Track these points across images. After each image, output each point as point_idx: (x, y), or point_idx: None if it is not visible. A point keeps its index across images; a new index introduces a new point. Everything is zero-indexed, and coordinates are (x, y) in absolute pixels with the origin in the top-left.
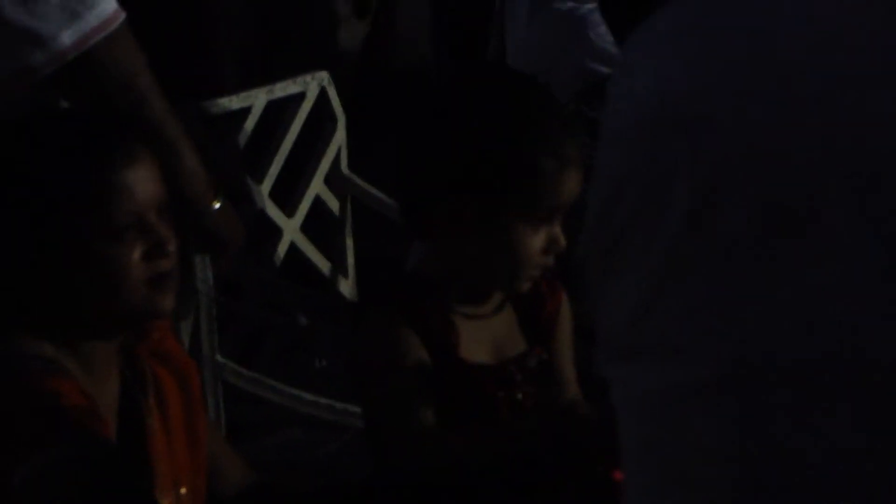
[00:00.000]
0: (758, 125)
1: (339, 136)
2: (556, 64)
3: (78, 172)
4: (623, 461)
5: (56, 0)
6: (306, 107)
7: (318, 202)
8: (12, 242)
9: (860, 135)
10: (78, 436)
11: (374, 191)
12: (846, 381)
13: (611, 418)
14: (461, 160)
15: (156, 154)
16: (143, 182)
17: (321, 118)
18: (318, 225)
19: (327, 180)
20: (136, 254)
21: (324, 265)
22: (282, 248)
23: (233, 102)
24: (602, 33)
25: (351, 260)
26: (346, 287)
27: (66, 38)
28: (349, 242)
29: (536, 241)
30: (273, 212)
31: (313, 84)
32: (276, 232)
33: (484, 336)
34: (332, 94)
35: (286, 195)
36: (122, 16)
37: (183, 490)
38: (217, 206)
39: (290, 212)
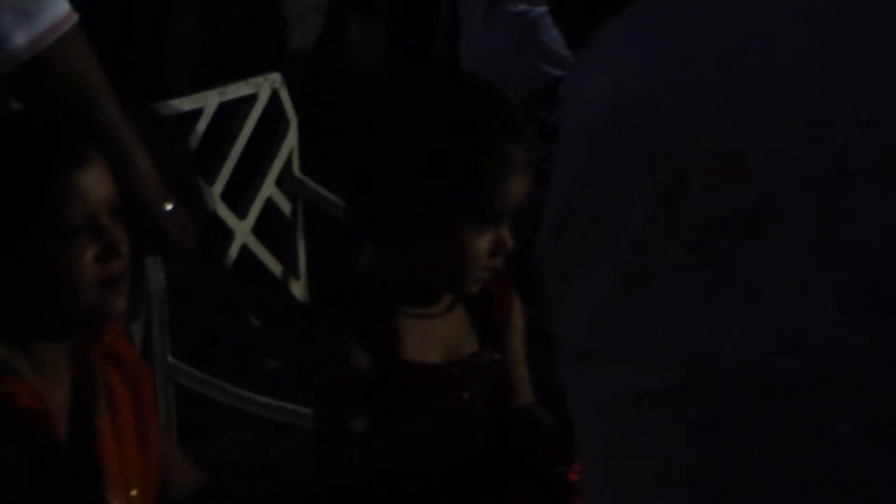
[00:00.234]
0: (717, 127)
1: (292, 139)
2: (509, 65)
3: (30, 174)
4: (579, 463)
5: (9, 2)
6: (258, 108)
7: (269, 204)
8: None
9: (821, 136)
10: (29, 437)
11: (325, 193)
12: (801, 388)
13: (566, 420)
14: (407, 165)
15: (108, 156)
16: (95, 184)
17: (273, 120)
18: (270, 227)
19: (279, 182)
20: (89, 255)
21: (275, 267)
22: (234, 250)
23: (185, 104)
24: (554, 36)
25: (303, 262)
26: (298, 289)
27: (20, 39)
28: (301, 244)
29: (483, 244)
30: (225, 214)
31: (266, 86)
32: (228, 234)
33: (434, 336)
34: (285, 95)
35: (238, 197)
36: (75, 17)
37: (133, 492)
38: (169, 208)
39: (242, 214)
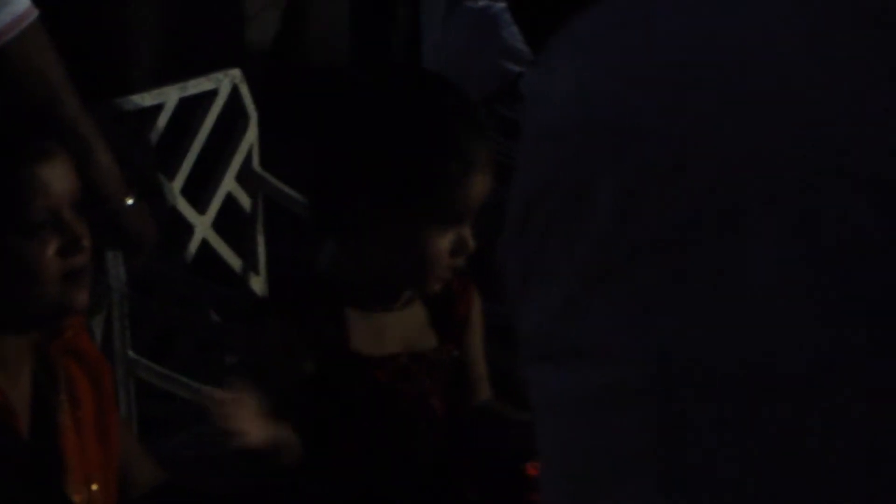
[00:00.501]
0: (682, 127)
1: (251, 134)
2: (470, 62)
3: None
4: (540, 460)
5: None
6: (219, 104)
7: (229, 199)
8: None
9: (792, 133)
10: None
11: (285, 188)
12: (767, 388)
13: (526, 416)
14: (367, 163)
15: (69, 151)
16: (57, 178)
17: (233, 115)
18: (230, 222)
19: (239, 178)
20: (51, 249)
21: (235, 262)
22: (193, 245)
23: (145, 99)
24: (514, 32)
25: (262, 257)
26: (258, 284)
27: None
28: (261, 240)
29: (444, 243)
30: (185, 209)
31: (226, 81)
32: (188, 229)
33: (392, 331)
34: (245, 91)
35: (198, 192)
36: (35, 13)
37: (94, 487)
38: (130, 202)
39: (201, 209)
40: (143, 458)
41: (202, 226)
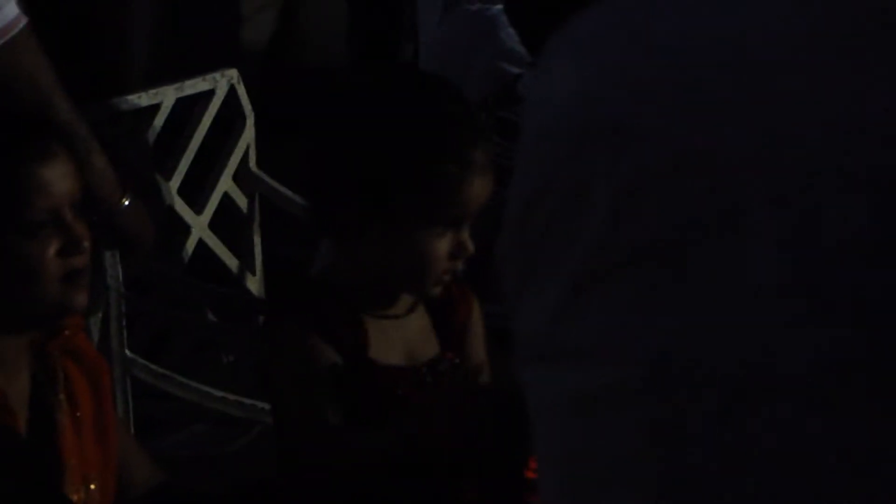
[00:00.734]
0: (681, 129)
1: (248, 134)
2: (467, 64)
3: None
4: (537, 462)
5: None
6: (216, 104)
7: (226, 199)
8: None
9: (788, 137)
10: None
11: (282, 189)
12: (766, 388)
13: (524, 417)
14: (365, 165)
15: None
16: (58, 179)
17: (230, 116)
18: (227, 222)
19: (236, 178)
20: (51, 250)
21: (231, 262)
22: (190, 245)
23: (142, 99)
24: (512, 34)
25: (258, 257)
26: (254, 284)
27: None
28: (257, 240)
29: (443, 246)
30: (182, 209)
31: (223, 81)
32: (185, 229)
33: (395, 338)
34: (242, 91)
35: (195, 192)
36: (24, 20)
37: (92, 486)
38: (126, 203)
39: (198, 209)
40: (141, 458)
41: (199, 226)
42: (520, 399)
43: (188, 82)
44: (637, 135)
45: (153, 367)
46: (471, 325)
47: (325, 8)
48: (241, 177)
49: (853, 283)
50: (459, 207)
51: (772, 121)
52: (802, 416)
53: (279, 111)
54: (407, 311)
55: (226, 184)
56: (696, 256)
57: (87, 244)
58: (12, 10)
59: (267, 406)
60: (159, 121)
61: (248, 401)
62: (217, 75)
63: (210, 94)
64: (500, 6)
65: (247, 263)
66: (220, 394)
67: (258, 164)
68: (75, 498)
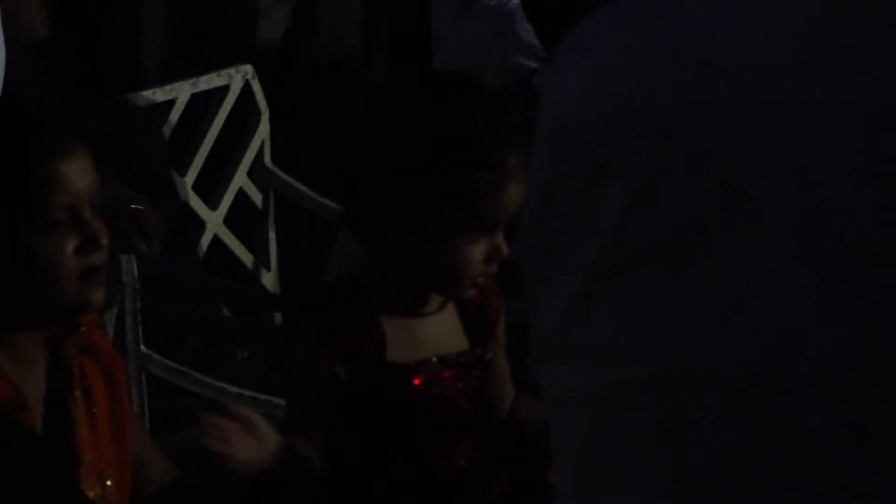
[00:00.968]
0: (689, 129)
1: (263, 130)
2: (484, 58)
3: (12, 164)
4: (555, 462)
5: None
6: (230, 100)
7: (241, 195)
8: None
9: (798, 133)
10: (4, 427)
11: (297, 184)
12: (767, 388)
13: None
14: (403, 174)
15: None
16: (77, 175)
17: (245, 111)
18: (241, 218)
19: (250, 173)
20: (70, 247)
21: (246, 258)
22: (205, 241)
23: (157, 95)
24: (529, 28)
25: (273, 253)
26: (269, 280)
27: None
28: (272, 235)
29: (478, 251)
30: (197, 204)
31: (238, 77)
32: (200, 224)
33: (423, 334)
34: (257, 87)
35: (210, 188)
36: None
37: (108, 482)
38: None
39: (213, 205)
40: (157, 454)
41: (214, 222)
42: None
43: (203, 78)
44: (648, 133)
45: (168, 362)
46: (500, 320)
47: (339, 3)
48: (255, 172)
49: (854, 283)
50: (495, 213)
51: (775, 120)
52: (803, 416)
53: (294, 107)
54: (437, 308)
55: (241, 179)
56: (702, 256)
57: (105, 241)
58: None
59: (282, 402)
60: (174, 116)
61: (263, 396)
62: (232, 71)
63: (225, 89)
64: (517, 1)
65: (261, 259)
66: (235, 389)
67: (273, 159)
68: (91, 494)
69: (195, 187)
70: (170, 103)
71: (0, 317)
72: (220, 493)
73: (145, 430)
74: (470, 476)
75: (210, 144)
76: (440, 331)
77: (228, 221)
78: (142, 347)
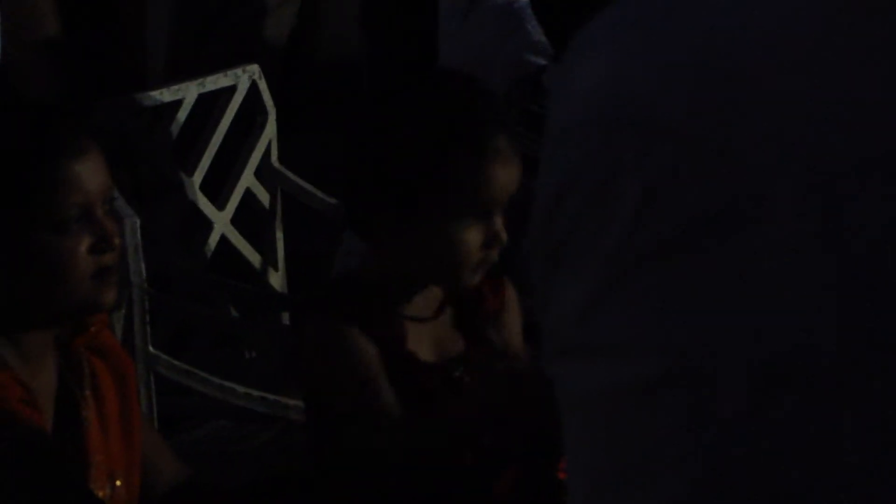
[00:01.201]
0: (708, 123)
1: (270, 130)
2: (493, 56)
3: (26, 163)
4: (567, 461)
5: None
6: (237, 100)
7: (248, 195)
8: None
9: (815, 131)
10: (14, 426)
11: (304, 184)
12: (785, 386)
13: (555, 414)
14: (387, 163)
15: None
16: (91, 175)
17: (252, 111)
18: (249, 218)
19: (258, 173)
20: (83, 247)
21: (254, 258)
22: (212, 241)
23: (164, 95)
24: (538, 26)
25: (281, 253)
26: (276, 280)
27: None
28: (279, 235)
29: (474, 237)
30: (204, 205)
31: (244, 77)
32: (207, 225)
33: (425, 336)
34: (263, 87)
35: (217, 188)
36: None
37: (118, 482)
38: None
39: (220, 205)
40: (166, 454)
41: (221, 222)
42: (550, 394)
43: (210, 78)
44: (664, 129)
45: (176, 363)
46: (506, 316)
47: (344, 2)
48: (263, 172)
49: (872, 280)
50: (484, 196)
51: (791, 120)
52: (829, 413)
53: (300, 106)
54: (435, 311)
55: (248, 179)
56: (718, 254)
57: (117, 241)
58: None
59: (290, 402)
60: (181, 116)
61: (271, 396)
62: (239, 71)
63: (232, 89)
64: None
65: (269, 259)
66: (243, 389)
67: (280, 159)
68: (101, 494)
69: (202, 187)
70: (177, 103)
71: (11, 316)
72: (229, 492)
73: (154, 430)
74: (476, 470)
75: (217, 144)
76: (443, 334)
77: (236, 221)
78: (150, 348)
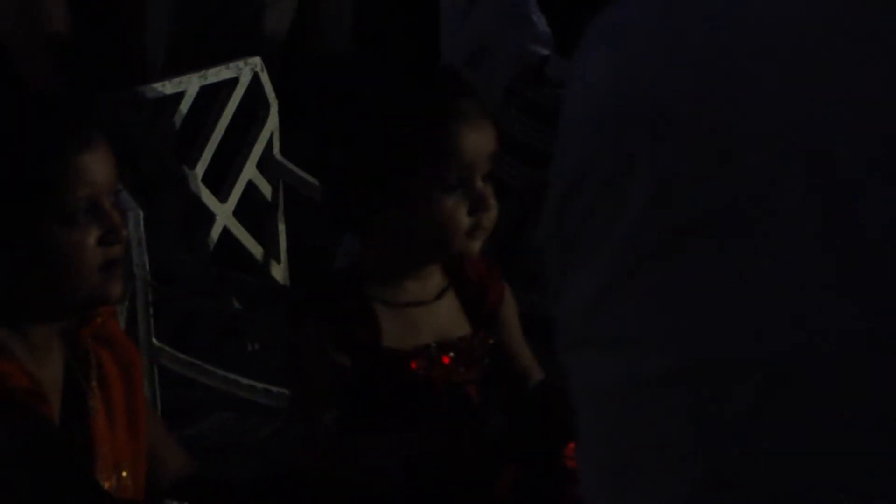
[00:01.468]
0: (709, 124)
1: (272, 122)
2: (499, 46)
3: (34, 155)
4: (578, 451)
5: None
6: (239, 92)
7: (250, 187)
8: None
9: (820, 127)
10: (21, 417)
11: (306, 176)
12: (792, 380)
13: (560, 404)
14: (361, 150)
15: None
16: (98, 167)
17: (254, 103)
18: (251, 210)
19: (260, 165)
20: (92, 239)
21: (256, 250)
22: (215, 233)
23: (166, 87)
24: (542, 17)
25: (283, 245)
26: (279, 272)
27: None
28: (281, 227)
29: (456, 204)
30: (206, 197)
31: (246, 69)
32: (209, 217)
33: (424, 322)
34: (265, 79)
35: (219, 180)
36: None
37: (124, 473)
38: None
39: (223, 197)
40: (172, 445)
41: (223, 214)
42: (554, 386)
43: (212, 70)
44: (677, 122)
45: (180, 355)
46: (503, 307)
47: None
48: (265, 165)
49: (880, 277)
50: (456, 160)
51: (800, 117)
52: (835, 408)
53: (301, 98)
54: (436, 296)
55: (250, 172)
56: (720, 251)
57: (125, 233)
58: None
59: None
60: (183, 109)
61: (275, 388)
62: (240, 63)
63: (234, 81)
64: None
65: (271, 251)
66: (247, 382)
67: (282, 151)
68: (107, 485)
69: (204, 180)
70: (179, 96)
71: (19, 307)
72: (233, 484)
73: (160, 422)
74: (479, 462)
75: (219, 137)
76: (441, 318)
77: (238, 214)
78: (153, 340)
